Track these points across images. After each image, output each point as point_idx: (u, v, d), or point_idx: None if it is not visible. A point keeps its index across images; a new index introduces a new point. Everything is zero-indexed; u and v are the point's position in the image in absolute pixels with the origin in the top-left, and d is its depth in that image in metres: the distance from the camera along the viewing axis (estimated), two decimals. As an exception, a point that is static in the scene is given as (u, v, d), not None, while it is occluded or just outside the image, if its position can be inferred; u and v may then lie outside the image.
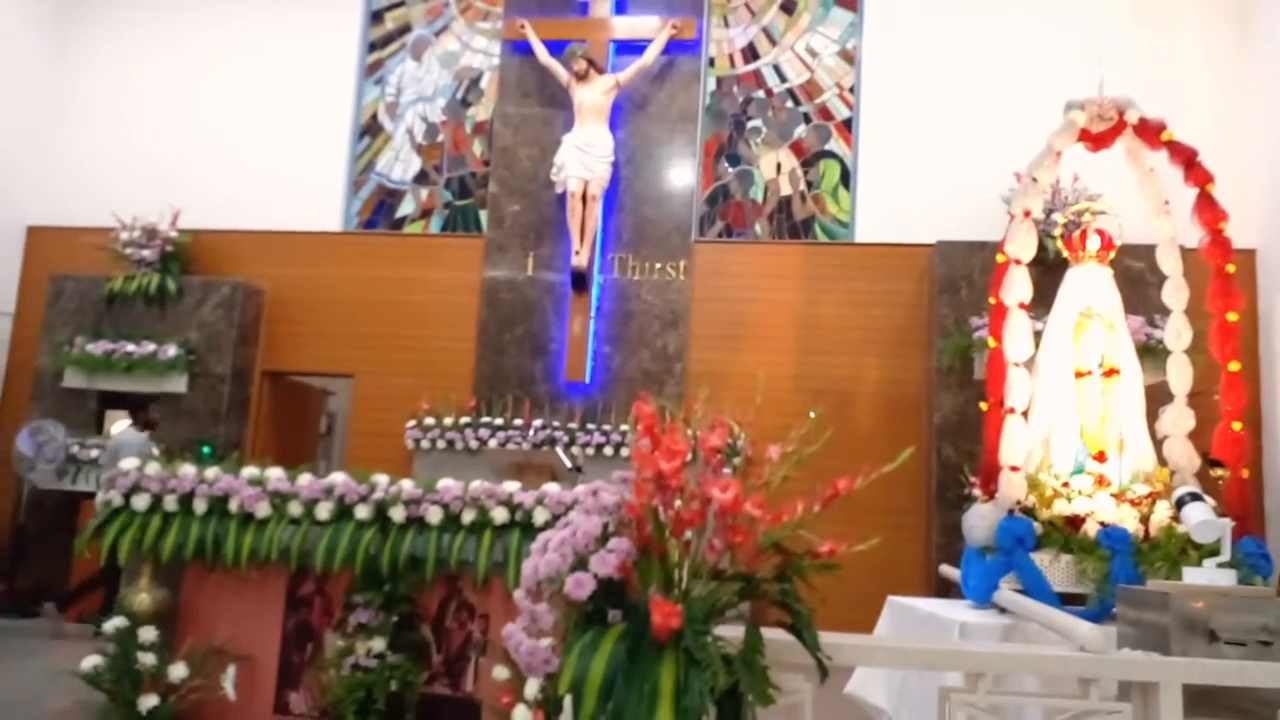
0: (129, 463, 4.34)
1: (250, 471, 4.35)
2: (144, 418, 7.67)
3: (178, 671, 4.01)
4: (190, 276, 8.73)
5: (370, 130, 9.39)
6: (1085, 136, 4.83)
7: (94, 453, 8.04)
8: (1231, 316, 4.56)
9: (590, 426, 8.08)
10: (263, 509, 4.24)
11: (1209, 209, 4.65)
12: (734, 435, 2.40)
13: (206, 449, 7.99)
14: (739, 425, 2.40)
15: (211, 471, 4.34)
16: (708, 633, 1.97)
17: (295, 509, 4.23)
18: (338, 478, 4.29)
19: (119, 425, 7.92)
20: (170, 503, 4.28)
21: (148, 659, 4.01)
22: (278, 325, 8.95)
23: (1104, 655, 2.53)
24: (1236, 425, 4.48)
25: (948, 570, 5.37)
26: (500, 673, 3.72)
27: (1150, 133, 4.74)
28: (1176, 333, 4.82)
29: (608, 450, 7.95)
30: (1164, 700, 2.35)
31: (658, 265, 8.49)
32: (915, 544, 7.65)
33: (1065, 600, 4.07)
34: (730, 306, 8.43)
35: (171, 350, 8.26)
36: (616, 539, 2.05)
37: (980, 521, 4.36)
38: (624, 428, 7.96)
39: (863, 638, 2.88)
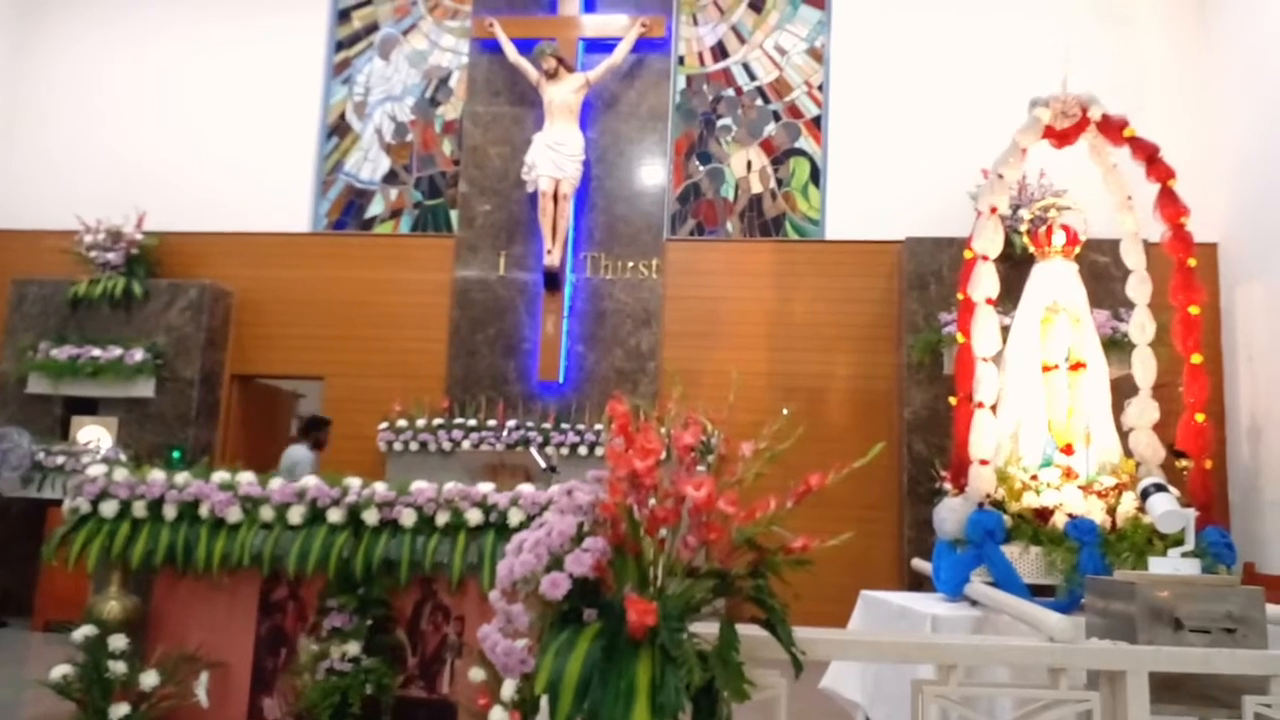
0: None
1: (221, 476, 4.31)
2: (315, 437, 7.79)
3: (149, 679, 3.96)
4: (157, 279, 8.62)
5: (338, 130, 9.32)
6: (1050, 133, 4.89)
7: (60, 459, 7.93)
8: (1194, 310, 4.64)
9: (564, 426, 8.08)
10: (234, 514, 4.19)
11: (1171, 204, 4.73)
12: (707, 433, 2.41)
13: (176, 454, 7.90)
14: (712, 423, 2.42)
15: (181, 476, 4.29)
16: (683, 630, 1.98)
17: (267, 513, 4.19)
18: (310, 481, 4.25)
19: (296, 449, 7.79)
20: (139, 509, 4.22)
21: (118, 667, 3.96)
22: (247, 328, 8.86)
23: (1072, 645, 2.57)
24: (1200, 417, 4.56)
25: (920, 564, 5.42)
26: (476, 674, 3.71)
27: (1112, 129, 4.81)
28: (1140, 326, 4.90)
29: (582, 450, 7.95)
30: (1131, 688, 2.39)
31: (630, 264, 8.49)
32: (888, 538, 7.72)
33: (1035, 592, 4.13)
34: (703, 304, 8.45)
35: (138, 354, 8.15)
36: (591, 538, 2.06)
37: (951, 515, 4.41)
38: (598, 427, 7.96)
39: (836, 632, 2.90)
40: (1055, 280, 4.96)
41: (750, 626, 2.14)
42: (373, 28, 9.43)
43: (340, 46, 9.44)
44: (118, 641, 4.02)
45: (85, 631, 4.03)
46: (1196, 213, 4.93)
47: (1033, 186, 7.55)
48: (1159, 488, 3.88)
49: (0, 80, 9.38)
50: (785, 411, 2.28)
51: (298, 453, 7.66)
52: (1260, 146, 7.32)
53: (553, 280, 8.32)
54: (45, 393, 8.29)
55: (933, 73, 8.54)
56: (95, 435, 8.20)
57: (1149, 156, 4.78)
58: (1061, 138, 4.92)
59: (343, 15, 9.48)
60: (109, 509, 4.22)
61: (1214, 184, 7.66)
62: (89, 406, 8.39)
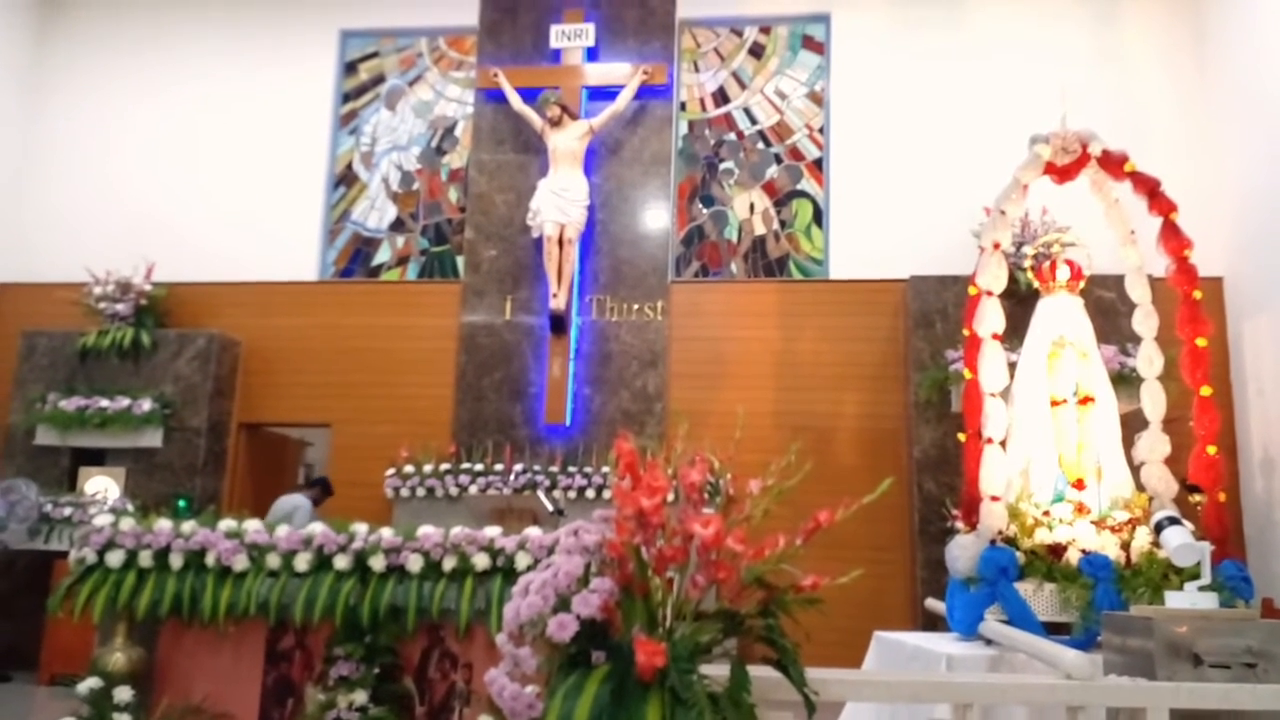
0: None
1: (227, 524, 4.29)
2: (317, 493, 7.82)
3: (154, 732, 3.92)
4: (165, 329, 8.67)
5: (345, 180, 9.42)
6: (1050, 169, 4.93)
7: (67, 510, 7.91)
8: (1201, 342, 4.63)
9: (571, 469, 8.04)
10: (240, 562, 4.17)
11: (1174, 237, 4.74)
12: (715, 472, 2.40)
13: (183, 503, 7.88)
14: (719, 461, 2.40)
15: (188, 525, 4.27)
16: (693, 671, 1.95)
17: (273, 561, 4.16)
18: (316, 528, 4.23)
19: (295, 495, 7.79)
20: (145, 558, 4.20)
21: (123, 719, 3.92)
22: (254, 376, 8.88)
23: (1091, 682, 2.53)
24: (1211, 449, 4.53)
25: (933, 604, 5.36)
26: (485, 722, 3.66)
27: (1113, 164, 4.84)
28: (1148, 359, 4.89)
29: (589, 493, 7.90)
30: (1152, 726, 2.34)
31: (635, 306, 8.52)
32: (900, 579, 7.64)
33: (1051, 629, 4.07)
34: (708, 345, 8.46)
35: (146, 404, 8.17)
36: (599, 579, 2.04)
37: (963, 553, 4.37)
38: (605, 469, 7.93)
39: (849, 672, 2.86)
40: (1061, 315, 4.96)
41: (762, 667, 2.11)
42: (379, 79, 9.58)
43: (347, 98, 9.58)
44: (123, 694, 3.98)
45: (90, 684, 4.00)
46: (1200, 247, 4.94)
47: (1035, 224, 7.58)
48: (1173, 521, 3.84)
49: (10, 135, 9.52)
50: (793, 450, 2.26)
51: (297, 498, 7.62)
52: (1263, 180, 7.35)
53: (558, 324, 8.34)
54: (53, 444, 8.30)
55: (932, 113, 8.62)
56: (103, 486, 8.19)
57: (1150, 191, 4.80)
58: (1062, 174, 4.96)
59: (349, 68, 9.64)
60: (115, 559, 4.20)
61: (1217, 218, 7.68)
62: (97, 457, 8.39)
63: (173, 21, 9.73)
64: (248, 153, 9.37)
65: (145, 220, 9.22)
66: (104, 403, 8.18)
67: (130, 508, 7.45)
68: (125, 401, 8.18)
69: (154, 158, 9.47)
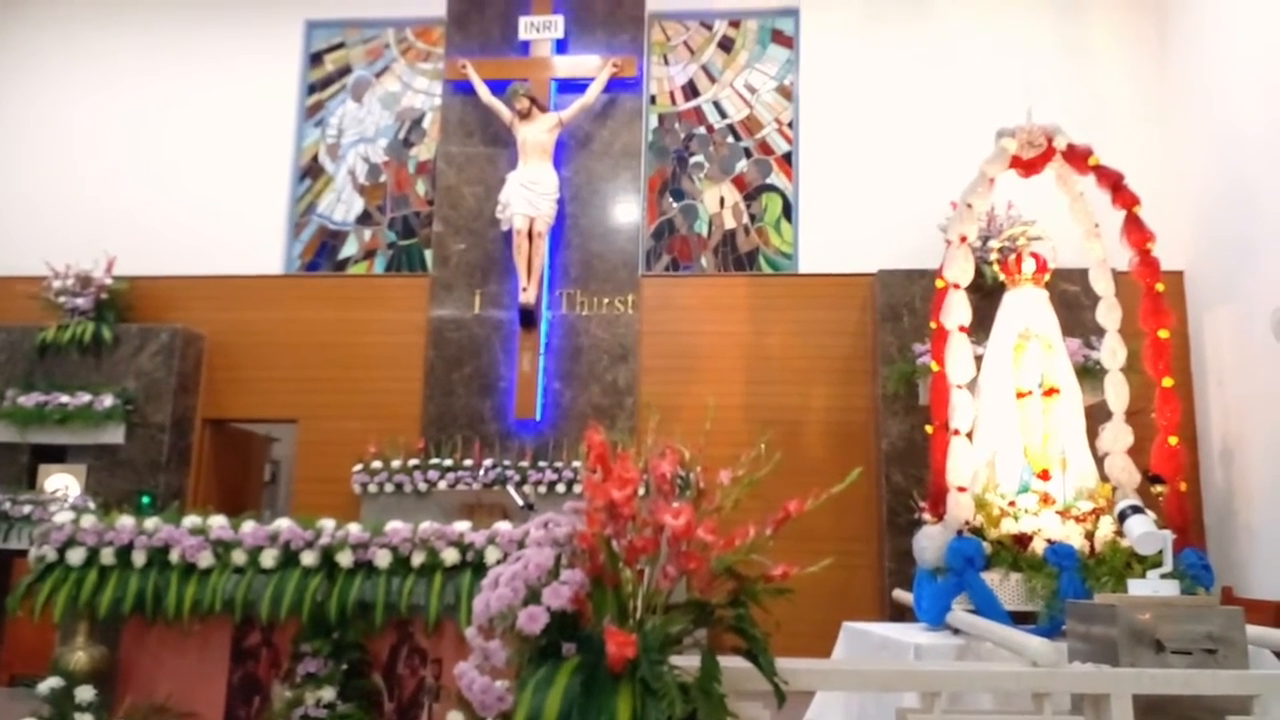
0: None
1: (192, 520, 4.23)
2: None
3: (117, 732, 3.86)
4: (127, 324, 8.52)
5: (311, 172, 9.31)
6: (1016, 163, 4.98)
7: (27, 509, 7.76)
8: (1163, 334, 4.71)
9: (542, 464, 8.01)
10: (205, 558, 4.11)
11: (1137, 230, 4.81)
12: (685, 464, 2.40)
13: (146, 499, 7.75)
14: (689, 454, 2.41)
15: (151, 522, 4.21)
16: (664, 662, 1.95)
17: (239, 557, 4.11)
18: (282, 523, 4.19)
19: None
20: (107, 556, 4.13)
21: (85, 719, 3.86)
22: (219, 371, 8.76)
23: (1056, 669, 2.56)
24: (1173, 440, 4.61)
25: (901, 595, 5.41)
26: (455, 718, 3.65)
27: (1078, 158, 4.91)
28: (1112, 351, 4.96)
29: (560, 487, 7.87)
30: (1115, 711, 2.38)
31: (606, 300, 8.50)
32: (868, 571, 7.69)
33: (1016, 618, 4.12)
34: (679, 339, 8.46)
35: (108, 400, 8.03)
36: (569, 570, 2.03)
37: (930, 543, 4.41)
38: (576, 464, 7.91)
39: (819, 662, 2.88)
40: (1026, 307, 5.02)
41: (732, 658, 2.11)
42: (345, 70, 9.48)
43: (313, 89, 9.46)
44: (85, 693, 3.91)
45: (52, 684, 3.93)
46: (1162, 241, 5.03)
47: (1001, 218, 7.65)
48: (1136, 510, 3.90)
49: (-32, 127, 9.31)
50: (763, 442, 2.27)
51: None
52: (1224, 175, 7.48)
53: (528, 318, 8.30)
54: (12, 441, 8.12)
55: (900, 108, 8.67)
56: (63, 483, 8.04)
57: (1114, 184, 4.87)
58: (1028, 167, 5.01)
59: (315, 58, 9.52)
60: (76, 556, 4.13)
61: (1178, 213, 7.80)
62: (57, 454, 8.23)
63: (134, 10, 9.55)
64: (212, 144, 9.22)
65: (106, 213, 9.05)
66: (64, 399, 8.02)
67: (92, 505, 7.32)
68: (86, 397, 8.02)
69: (115, 149, 9.30)
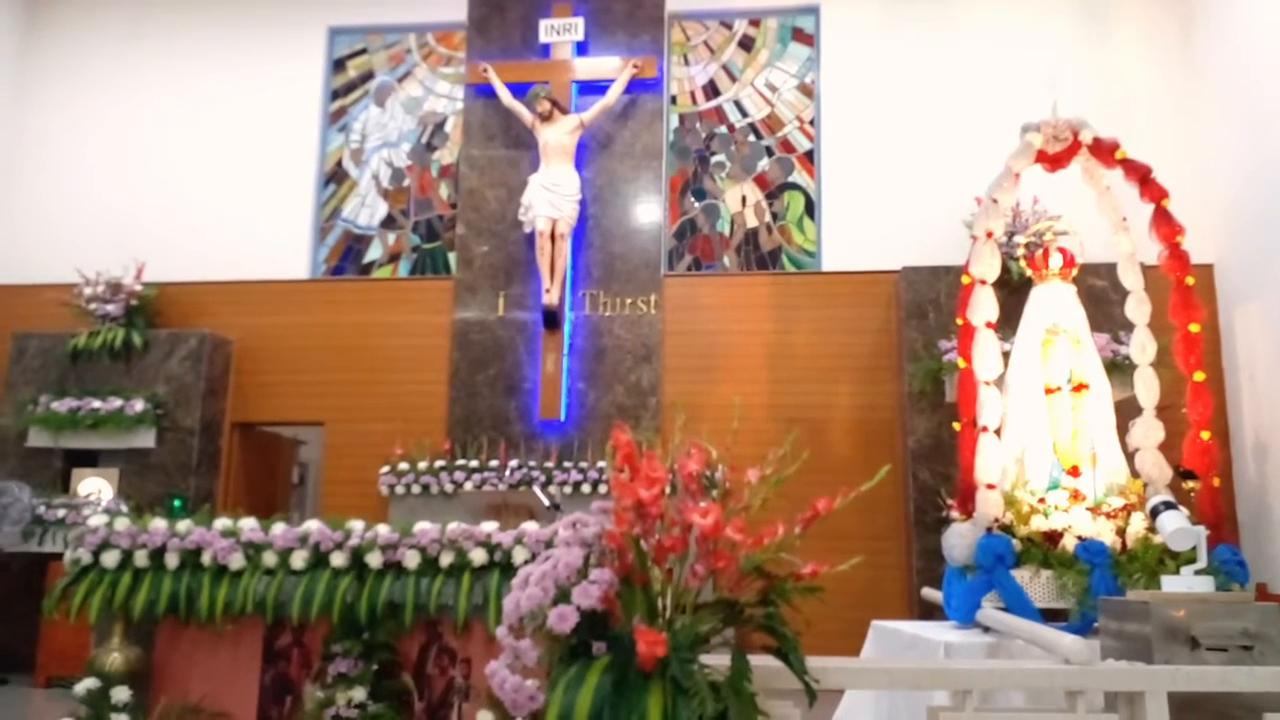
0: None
1: (223, 523, 4.28)
2: None
3: (152, 732, 3.91)
4: (156, 330, 8.63)
5: (335, 177, 9.39)
6: (1042, 157, 4.94)
7: (61, 512, 7.88)
8: (1194, 328, 4.65)
9: (567, 464, 8.04)
10: (236, 560, 4.16)
11: (1166, 223, 4.76)
12: (711, 463, 2.40)
13: (178, 502, 7.85)
14: (716, 452, 2.41)
15: (183, 525, 4.26)
16: (694, 661, 1.95)
17: (270, 559, 4.15)
18: (312, 525, 4.22)
19: None
20: (141, 558, 4.18)
21: (121, 719, 3.91)
22: (246, 376, 8.85)
23: (1089, 667, 2.54)
24: (1205, 435, 4.55)
25: (930, 593, 5.37)
26: (484, 717, 3.66)
27: (1104, 151, 4.85)
28: (1141, 346, 4.91)
29: (585, 488, 7.89)
30: (1150, 709, 2.35)
31: (629, 300, 8.51)
32: (896, 569, 7.66)
33: (1048, 615, 4.09)
34: (702, 338, 8.46)
35: (139, 405, 8.14)
36: (598, 570, 2.04)
37: (960, 540, 4.38)
38: (601, 464, 7.93)
39: (850, 660, 2.87)
40: (1054, 302, 4.97)
41: (762, 656, 2.11)
42: (368, 76, 9.55)
43: (336, 95, 9.54)
44: (120, 694, 3.96)
45: (87, 685, 3.98)
46: (1192, 234, 4.96)
47: (1026, 213, 7.59)
48: (1168, 505, 3.85)
49: None
50: (789, 440, 2.26)
51: None
52: (1253, 167, 7.37)
53: (552, 319, 8.33)
54: (46, 446, 8.26)
55: (923, 104, 8.62)
56: (96, 487, 8.16)
57: (1142, 177, 4.81)
58: (1054, 162, 4.97)
59: (338, 65, 9.60)
60: (110, 559, 4.18)
61: (1207, 206, 7.71)
62: (89, 459, 8.35)
63: (160, 20, 9.68)
64: (237, 151, 9.32)
65: (135, 220, 9.18)
66: (96, 404, 8.14)
67: (124, 508, 7.42)
68: (117, 402, 8.14)
69: (143, 157, 9.42)
